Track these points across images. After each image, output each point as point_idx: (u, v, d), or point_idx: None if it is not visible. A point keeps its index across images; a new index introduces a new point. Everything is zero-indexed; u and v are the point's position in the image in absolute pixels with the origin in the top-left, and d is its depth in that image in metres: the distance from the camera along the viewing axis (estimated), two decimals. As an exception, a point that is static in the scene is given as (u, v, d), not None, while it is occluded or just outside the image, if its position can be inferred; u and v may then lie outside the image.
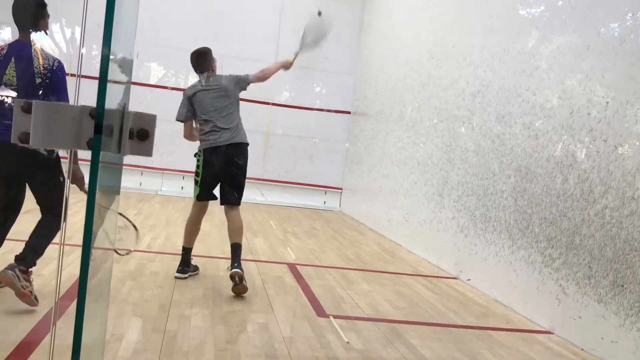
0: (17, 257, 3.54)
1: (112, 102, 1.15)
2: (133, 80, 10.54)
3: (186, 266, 4.85)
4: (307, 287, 4.99)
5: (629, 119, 3.89)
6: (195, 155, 4.97)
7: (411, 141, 7.81)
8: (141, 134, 1.27)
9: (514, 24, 5.50)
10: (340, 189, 11.21)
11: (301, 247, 6.89)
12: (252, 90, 10.35)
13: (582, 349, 4.07)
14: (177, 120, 5.07)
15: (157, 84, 10.82)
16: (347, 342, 3.68)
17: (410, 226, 7.53)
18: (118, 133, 1.21)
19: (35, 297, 3.53)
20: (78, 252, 1.13)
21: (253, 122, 10.78)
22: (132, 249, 4.88)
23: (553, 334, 4.39)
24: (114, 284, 4.36)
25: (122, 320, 3.60)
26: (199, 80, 5.07)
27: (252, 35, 10.85)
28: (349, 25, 11.22)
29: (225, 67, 10.77)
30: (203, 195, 4.88)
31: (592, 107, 4.27)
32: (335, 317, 4.19)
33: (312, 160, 11.26)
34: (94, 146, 0.99)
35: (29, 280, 3.53)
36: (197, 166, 4.91)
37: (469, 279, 5.82)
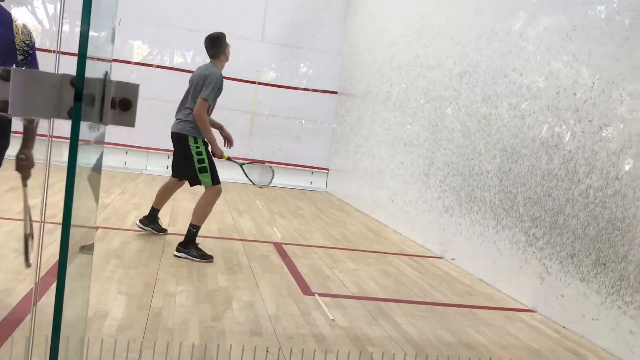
0: None
1: (93, 71, 1.13)
2: (117, 57, 10.45)
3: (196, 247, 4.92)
4: (293, 265, 5.00)
5: (614, 100, 3.91)
6: (195, 143, 4.95)
7: (398, 122, 7.80)
8: (123, 104, 1.25)
9: (503, 4, 5.48)
10: (327, 169, 11.20)
11: (287, 226, 6.89)
12: (237, 70, 10.31)
13: (564, 327, 4.13)
14: (206, 99, 4.85)
15: (142, 61, 10.68)
16: (333, 320, 3.70)
17: (396, 206, 7.55)
18: (100, 102, 1.19)
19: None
20: (59, 230, 1.11)
21: (239, 101, 10.72)
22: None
23: (536, 312, 4.44)
24: (99, 262, 4.34)
25: (106, 298, 3.59)
26: (215, 65, 5.05)
27: (239, 13, 10.72)
28: (336, 4, 11.13)
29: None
30: (218, 179, 5.01)
31: (578, 88, 4.28)
32: (320, 295, 4.21)
33: (298, 141, 11.21)
34: (74, 114, 0.97)
35: None
36: (199, 153, 4.94)
37: (453, 259, 5.86)
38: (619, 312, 3.67)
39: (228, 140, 5.36)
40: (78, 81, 0.98)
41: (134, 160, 10.48)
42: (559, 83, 4.50)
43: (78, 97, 0.99)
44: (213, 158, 5.03)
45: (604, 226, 3.87)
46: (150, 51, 10.74)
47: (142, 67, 10.62)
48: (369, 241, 6.63)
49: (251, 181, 5.48)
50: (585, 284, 4.00)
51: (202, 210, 4.95)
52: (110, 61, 1.31)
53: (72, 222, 1.15)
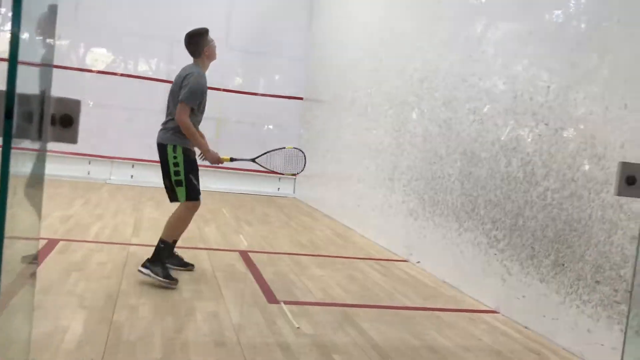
0: None
1: (29, 85, 1.11)
2: (80, 66, 10.27)
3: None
4: (259, 273, 4.98)
5: (570, 103, 4.00)
6: (173, 152, 4.46)
7: (363, 127, 7.85)
8: (64, 120, 1.23)
9: (462, 11, 5.57)
10: (294, 175, 11.18)
11: (254, 234, 6.86)
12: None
13: (526, 327, 4.20)
14: (185, 102, 4.41)
15: (106, 70, 10.53)
16: (298, 328, 3.70)
17: (363, 211, 7.59)
18: (38, 119, 1.17)
19: None
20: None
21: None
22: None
23: (499, 313, 4.51)
24: (59, 275, 4.25)
25: (66, 312, 3.52)
26: (196, 65, 4.64)
27: (202, 19, 10.64)
28: (300, 11, 11.15)
29: (175, 53, 10.57)
30: (196, 194, 4.53)
31: (535, 91, 4.37)
32: (286, 303, 4.20)
33: (265, 147, 11.15)
34: (5, 132, 0.95)
35: None
36: (175, 164, 4.45)
37: (418, 262, 5.92)
38: (577, 311, 3.75)
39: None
40: (8, 98, 0.96)
41: (97, 169, 10.32)
42: (516, 87, 4.59)
43: (8, 114, 0.97)
44: (198, 169, 4.59)
45: (561, 227, 3.96)
46: (113, 59, 10.60)
47: (106, 75, 10.48)
48: (336, 246, 6.64)
49: (277, 172, 5.10)
50: (545, 284, 4.08)
51: (173, 225, 4.49)
52: (50, 76, 1.29)
53: (11, 233, 1.12)
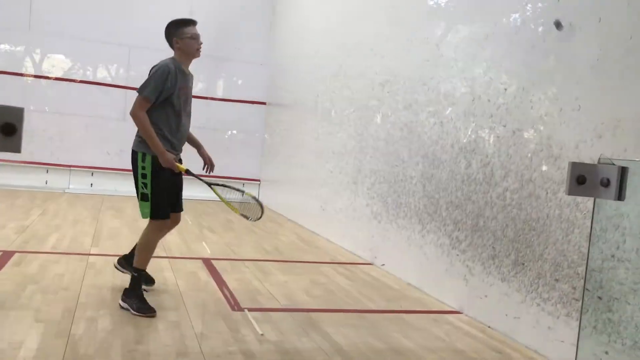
0: None
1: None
2: (37, 73, 10.01)
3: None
4: (222, 281, 4.92)
5: (525, 105, 4.07)
6: (142, 162, 4.01)
7: (326, 131, 7.86)
8: (7, 129, 1.18)
9: (418, 15, 5.63)
10: (259, 180, 11.13)
11: (217, 241, 6.79)
12: (163, 82, 10.09)
13: (489, 327, 4.25)
14: (143, 94, 3.95)
15: (63, 76, 10.30)
16: (262, 335, 3.66)
17: (327, 215, 7.59)
18: (-23, 128, 1.12)
19: None
20: None
21: (165, 115, 10.49)
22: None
23: (462, 313, 4.56)
24: (13, 288, 4.12)
25: (21, 327, 3.41)
26: (171, 58, 4.17)
27: (162, 25, 10.51)
28: (260, 15, 11.12)
29: (133, 59, 10.41)
30: (164, 211, 4.07)
31: (492, 94, 4.44)
32: (250, 310, 4.16)
33: (228, 153, 11.08)
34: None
35: None
36: (143, 175, 4.00)
37: (383, 264, 5.94)
38: (538, 309, 3.82)
39: (208, 164, 4.42)
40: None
41: (55, 179, 10.07)
42: (474, 90, 4.65)
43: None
44: (177, 183, 4.22)
45: (521, 227, 4.02)
46: (71, 66, 10.38)
47: (64, 82, 10.25)
48: (301, 251, 6.62)
49: (226, 203, 4.33)
50: (506, 283, 4.13)
51: (142, 249, 4.08)
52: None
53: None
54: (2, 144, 1.18)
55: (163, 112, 4.02)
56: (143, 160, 3.98)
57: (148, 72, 4.11)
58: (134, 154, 4.03)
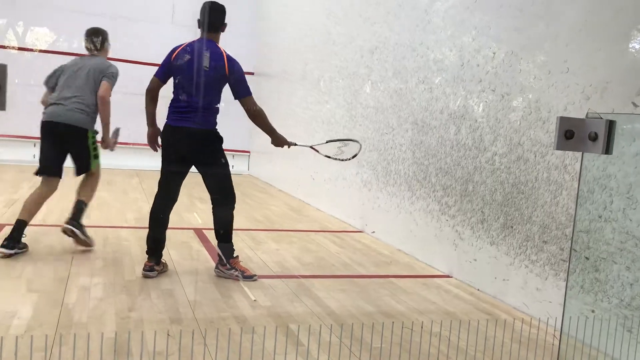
0: None
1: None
2: (21, 45, 9.83)
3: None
4: (215, 250, 4.93)
5: (513, 69, 4.07)
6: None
7: (315, 100, 7.82)
8: (-9, 87, 1.17)
9: (407, -21, 5.57)
10: (248, 152, 11.11)
11: (208, 211, 6.74)
12: (149, 54, 9.98)
13: (478, 289, 4.31)
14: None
15: (49, 49, 10.14)
16: (255, 300, 3.70)
17: (317, 184, 7.60)
18: (-39, 85, 1.11)
19: None
20: None
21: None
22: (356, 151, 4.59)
23: (451, 277, 4.62)
24: (5, 261, 4.12)
25: (15, 297, 3.42)
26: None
27: (146, -4, 10.35)
28: (247, -16, 10.95)
29: (119, 29, 10.25)
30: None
31: (480, 59, 4.43)
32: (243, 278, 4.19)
33: (218, 125, 11.03)
34: None
35: None
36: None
37: (373, 232, 5.99)
38: (526, 271, 3.87)
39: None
40: None
41: (43, 153, 9.97)
42: (463, 55, 4.64)
43: None
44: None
45: (509, 191, 4.05)
46: (56, 38, 10.20)
47: (48, 54, 10.09)
48: (292, 220, 6.65)
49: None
50: (495, 247, 4.19)
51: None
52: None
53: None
54: (-12, 102, 1.17)
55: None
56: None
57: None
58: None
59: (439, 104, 4.91)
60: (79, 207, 4.67)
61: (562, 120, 1.52)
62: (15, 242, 4.29)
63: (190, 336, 2.98)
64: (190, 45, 4.14)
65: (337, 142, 4.72)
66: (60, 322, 3.09)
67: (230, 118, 11.35)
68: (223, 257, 4.17)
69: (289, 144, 4.42)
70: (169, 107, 4.16)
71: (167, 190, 4.21)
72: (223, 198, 4.24)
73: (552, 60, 3.73)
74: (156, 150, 4.35)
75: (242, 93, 4.15)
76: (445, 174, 4.78)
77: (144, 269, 4.05)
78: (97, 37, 5.02)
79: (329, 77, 7.35)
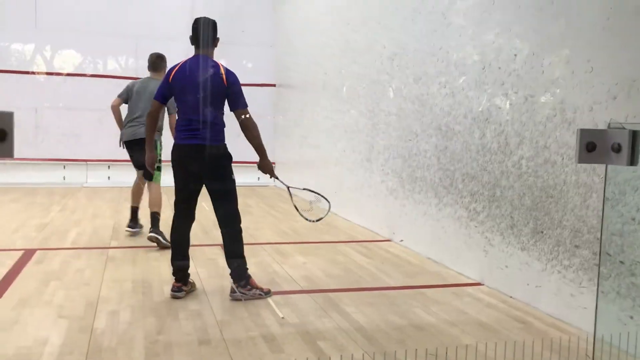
0: None
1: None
2: (49, 70, 10.04)
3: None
4: (241, 266, 4.93)
5: (536, 70, 3.98)
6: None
7: (336, 109, 7.80)
8: (-3, 134, 1.17)
9: (423, -17, 5.51)
10: (273, 163, 11.11)
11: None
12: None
13: (511, 297, 4.22)
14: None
15: (75, 72, 10.33)
16: (283, 318, 3.67)
17: (343, 194, 7.56)
18: (-34, 135, 1.11)
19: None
20: None
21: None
22: (322, 215, 4.51)
23: (483, 285, 4.52)
24: (37, 286, 4.18)
25: (45, 324, 3.45)
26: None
27: (166, 14, 10.47)
28: (265, -4, 11.02)
29: (141, 48, 10.40)
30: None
31: (501, 61, 4.35)
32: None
33: (241, 137, 11.06)
34: None
35: None
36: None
37: (401, 240, 5.92)
38: (559, 277, 3.77)
39: None
40: None
41: (73, 174, 10.17)
42: (484, 58, 4.56)
43: None
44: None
45: (538, 195, 3.96)
46: (82, 60, 10.40)
47: (75, 77, 10.29)
48: (319, 232, 6.62)
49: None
50: (526, 252, 4.09)
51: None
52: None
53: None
54: (-6, 150, 1.17)
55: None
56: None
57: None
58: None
59: (462, 108, 4.83)
60: (155, 218, 5.52)
61: (583, 132, 1.46)
62: (135, 222, 6.07)
63: (219, 359, 2.97)
64: (186, 63, 4.14)
65: (311, 196, 4.54)
66: (90, 348, 3.11)
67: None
68: (238, 282, 4.07)
69: (273, 175, 4.43)
70: (176, 128, 4.19)
71: (183, 209, 4.22)
72: (228, 218, 4.19)
73: (575, 59, 3.63)
74: (153, 174, 5.28)
75: (239, 105, 4.11)
76: (472, 179, 4.70)
77: (172, 290, 4.06)
78: (160, 61, 6.15)
79: (350, 85, 7.32)
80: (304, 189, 4.62)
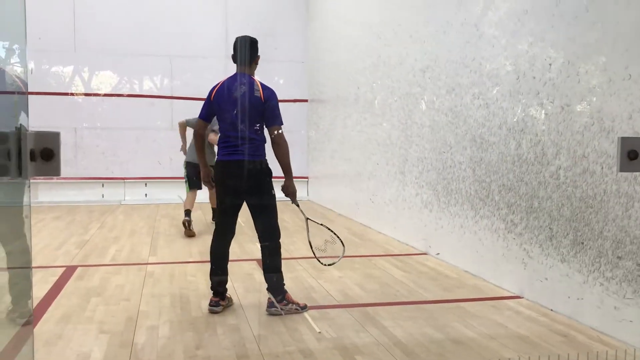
0: None
1: (2, 122, 1.09)
2: (86, 91, 10.33)
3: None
4: (277, 281, 4.94)
5: (572, 79, 3.92)
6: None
7: (369, 123, 7.80)
8: (45, 154, 1.21)
9: (454, -5, 5.50)
10: (307, 177, 11.17)
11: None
12: (206, 88, 10.27)
13: (552, 310, 4.13)
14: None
15: (112, 92, 10.59)
16: (319, 333, 3.67)
17: (377, 207, 7.54)
18: (16, 156, 1.15)
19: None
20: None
21: (211, 120, 10.65)
22: (336, 259, 4.44)
23: (522, 298, 4.44)
24: (78, 302, 4.27)
25: (87, 339, 3.52)
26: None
27: (199, 33, 10.67)
28: (295, 12, 11.14)
29: (175, 67, 10.62)
30: None
31: (536, 70, 4.30)
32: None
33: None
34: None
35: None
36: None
37: (438, 253, 5.86)
38: (601, 289, 3.68)
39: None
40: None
41: (111, 192, 10.39)
42: (518, 68, 4.51)
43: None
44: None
45: (577, 205, 3.88)
46: (119, 81, 10.66)
47: (112, 97, 10.54)
48: (354, 245, 6.60)
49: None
50: (566, 264, 4.00)
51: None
52: (25, 110, 1.27)
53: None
54: (43, 169, 1.21)
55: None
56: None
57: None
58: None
59: (497, 119, 4.78)
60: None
61: (624, 140, 1.44)
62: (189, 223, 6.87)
63: (257, 373, 2.98)
64: (227, 81, 4.22)
65: (327, 234, 4.48)
66: (131, 363, 3.16)
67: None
68: (275, 296, 4.09)
69: (294, 199, 4.40)
70: (218, 144, 4.25)
71: (223, 224, 4.27)
72: (268, 232, 4.22)
73: (612, 67, 3.57)
74: (212, 188, 4.47)
75: (275, 121, 4.13)
76: (509, 190, 4.64)
77: (209, 304, 4.10)
78: None
79: (382, 98, 7.32)
80: (321, 224, 4.56)
